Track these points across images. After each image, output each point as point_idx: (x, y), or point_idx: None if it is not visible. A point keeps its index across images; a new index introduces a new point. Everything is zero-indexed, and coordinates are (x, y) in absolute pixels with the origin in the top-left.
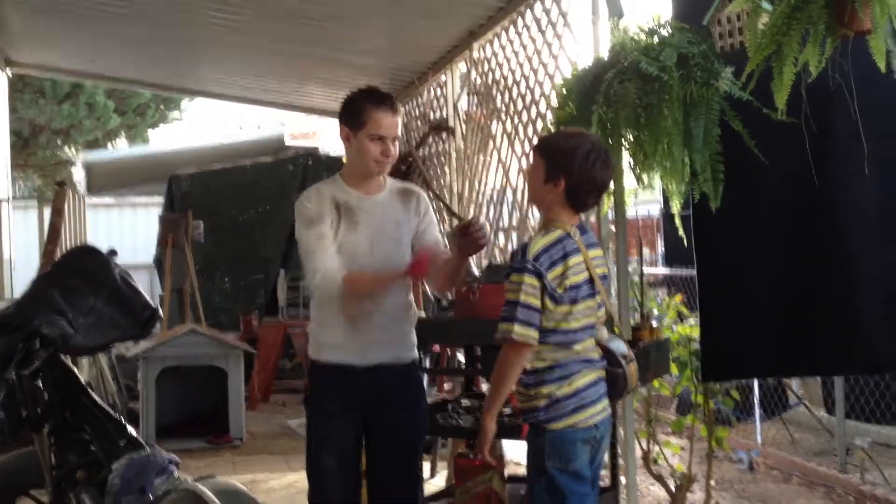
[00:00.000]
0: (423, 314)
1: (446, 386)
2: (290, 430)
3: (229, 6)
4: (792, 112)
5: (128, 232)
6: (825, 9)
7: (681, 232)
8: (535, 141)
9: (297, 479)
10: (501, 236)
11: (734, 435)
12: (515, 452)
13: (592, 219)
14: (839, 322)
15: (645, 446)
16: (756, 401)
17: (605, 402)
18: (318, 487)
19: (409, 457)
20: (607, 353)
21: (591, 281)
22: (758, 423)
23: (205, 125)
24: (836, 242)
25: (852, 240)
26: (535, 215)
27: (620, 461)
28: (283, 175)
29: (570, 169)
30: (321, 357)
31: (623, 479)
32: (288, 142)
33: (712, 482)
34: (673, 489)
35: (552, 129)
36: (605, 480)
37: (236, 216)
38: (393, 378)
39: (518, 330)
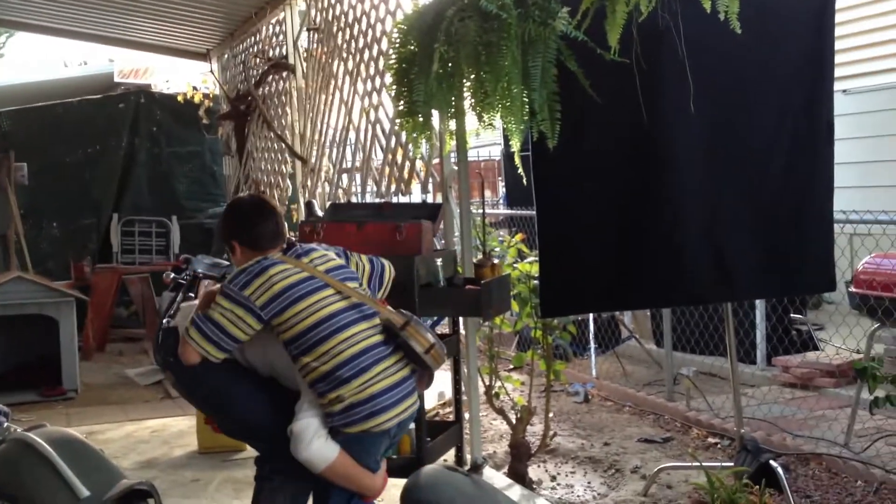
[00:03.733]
0: None
1: None
2: (128, 380)
3: None
4: (624, 52)
5: None
6: None
7: (520, 171)
8: (378, 80)
9: (136, 429)
10: (345, 177)
11: (571, 369)
12: None
13: (435, 161)
14: (666, 256)
15: (487, 382)
16: (591, 336)
17: (409, 401)
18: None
19: None
20: (407, 352)
21: (312, 278)
22: (593, 357)
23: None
24: (664, 178)
25: (678, 175)
26: (377, 157)
27: (464, 397)
28: (112, 113)
29: (230, 232)
30: None
31: (467, 415)
32: (117, 79)
33: (550, 414)
34: (514, 422)
35: (394, 68)
36: (450, 417)
37: (63, 157)
38: None
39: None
